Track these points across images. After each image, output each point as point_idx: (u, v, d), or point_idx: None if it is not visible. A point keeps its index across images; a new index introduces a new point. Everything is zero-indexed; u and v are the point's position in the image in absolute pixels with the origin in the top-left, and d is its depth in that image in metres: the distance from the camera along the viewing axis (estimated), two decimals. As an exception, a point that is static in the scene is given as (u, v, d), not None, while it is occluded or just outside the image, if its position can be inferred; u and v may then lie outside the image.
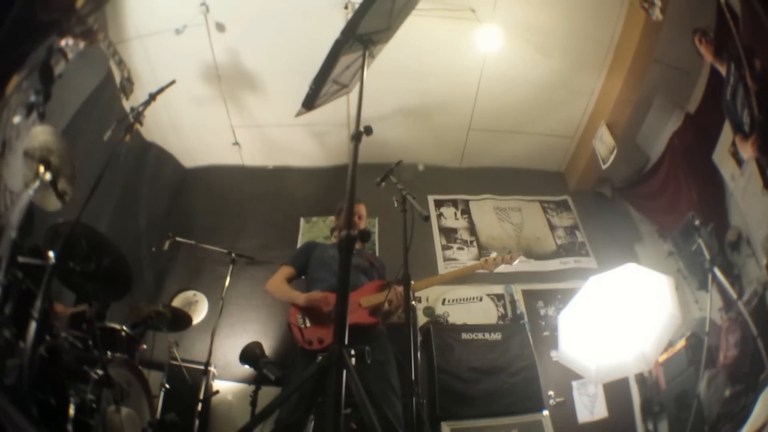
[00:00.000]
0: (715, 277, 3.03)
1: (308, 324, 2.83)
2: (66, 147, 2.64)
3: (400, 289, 2.78)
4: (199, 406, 3.30)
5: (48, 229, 2.56)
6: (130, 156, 3.54)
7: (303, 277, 3.15)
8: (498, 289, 4.18)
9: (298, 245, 4.34)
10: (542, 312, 4.08)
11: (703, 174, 3.37)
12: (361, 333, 2.46)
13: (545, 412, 3.30)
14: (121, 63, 3.61)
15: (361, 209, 3.31)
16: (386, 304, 2.81)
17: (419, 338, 3.56)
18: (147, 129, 3.92)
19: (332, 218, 4.59)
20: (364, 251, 3.41)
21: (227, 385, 3.65)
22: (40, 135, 2.59)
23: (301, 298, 2.89)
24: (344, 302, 1.48)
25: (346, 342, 1.37)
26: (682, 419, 3.04)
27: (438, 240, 4.56)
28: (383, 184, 2.88)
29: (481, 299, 4.15)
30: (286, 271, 3.13)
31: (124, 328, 3.00)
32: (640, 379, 3.53)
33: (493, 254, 3.09)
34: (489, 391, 3.32)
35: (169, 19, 3.75)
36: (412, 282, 2.56)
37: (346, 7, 3.75)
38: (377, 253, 4.25)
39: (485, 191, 4.88)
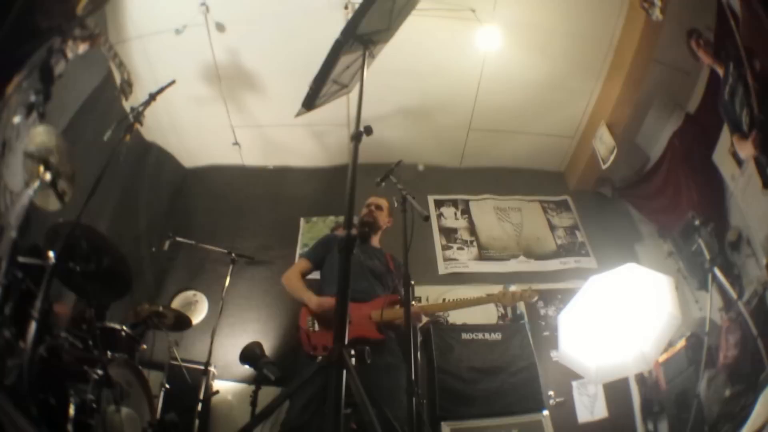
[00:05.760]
0: (715, 277, 3.03)
1: (317, 328, 2.81)
2: (66, 147, 2.64)
3: (415, 309, 2.75)
4: (199, 406, 3.29)
5: (48, 229, 2.56)
6: (130, 156, 3.53)
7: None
8: (498, 289, 4.15)
9: (298, 245, 4.35)
10: (542, 312, 4.08)
11: (703, 174, 3.37)
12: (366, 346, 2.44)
13: (545, 412, 3.29)
14: (121, 65, 3.61)
15: (381, 201, 3.30)
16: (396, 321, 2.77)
17: (419, 338, 3.56)
18: (147, 129, 3.92)
19: (332, 218, 4.61)
20: (383, 252, 3.32)
21: (227, 385, 3.65)
22: (40, 135, 2.59)
23: (312, 301, 2.84)
24: (344, 302, 1.48)
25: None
26: (682, 419, 3.04)
27: (438, 240, 4.56)
28: (383, 184, 2.87)
29: (481, 299, 4.15)
30: (302, 264, 3.07)
31: (124, 328, 2.99)
32: (640, 379, 3.53)
33: (513, 287, 3.03)
34: (489, 391, 3.31)
35: (169, 19, 3.75)
36: (419, 303, 2.54)
37: (346, 7, 3.75)
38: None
39: (485, 191, 4.88)
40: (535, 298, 2.98)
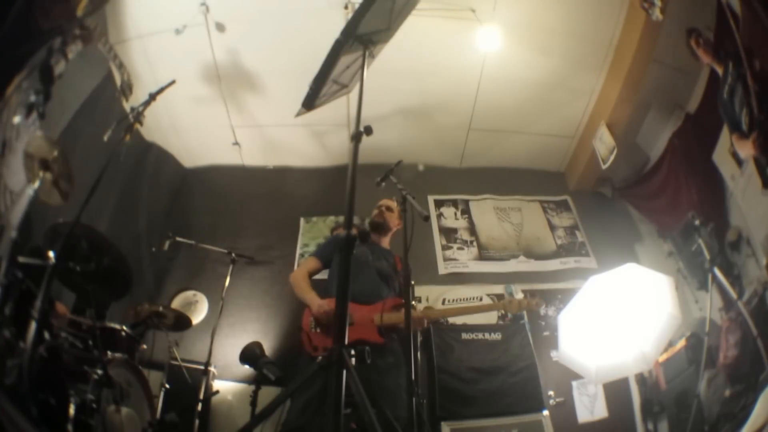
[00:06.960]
0: (715, 277, 3.03)
1: (318, 330, 2.81)
2: (63, 152, 2.64)
3: (419, 314, 2.74)
4: (199, 406, 3.30)
5: (48, 229, 2.56)
6: (130, 156, 3.53)
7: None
8: (498, 289, 4.18)
9: (298, 245, 4.35)
10: (542, 312, 4.07)
11: (703, 174, 3.37)
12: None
13: (545, 412, 3.29)
14: (121, 66, 3.61)
15: (392, 204, 3.29)
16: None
17: (419, 338, 3.56)
18: (147, 129, 3.92)
19: (332, 218, 4.61)
20: (391, 252, 3.28)
21: (227, 385, 3.65)
22: (39, 137, 2.60)
23: (314, 303, 2.83)
24: (344, 302, 1.48)
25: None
26: (682, 419, 3.04)
27: (438, 240, 4.56)
28: (383, 184, 2.88)
29: (481, 299, 4.15)
30: (310, 263, 3.05)
31: (124, 328, 2.99)
32: (640, 379, 3.53)
33: (519, 296, 2.99)
34: (489, 391, 3.32)
35: (169, 19, 3.75)
36: (425, 309, 2.52)
37: (346, 7, 3.75)
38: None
39: (485, 191, 4.88)
40: (542, 306, 2.94)
